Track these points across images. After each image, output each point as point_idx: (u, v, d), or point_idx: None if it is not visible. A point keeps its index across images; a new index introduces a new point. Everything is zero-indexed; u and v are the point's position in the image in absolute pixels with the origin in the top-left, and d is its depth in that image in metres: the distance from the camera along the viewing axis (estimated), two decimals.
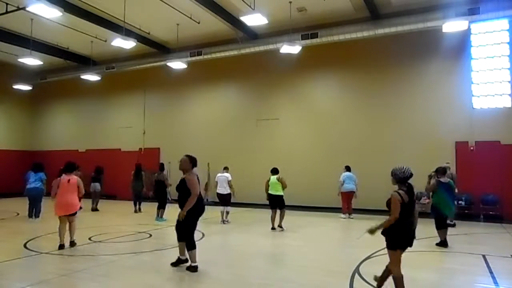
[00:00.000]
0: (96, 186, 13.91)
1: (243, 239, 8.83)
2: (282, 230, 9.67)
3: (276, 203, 9.87)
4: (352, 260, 6.42)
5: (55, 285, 5.21)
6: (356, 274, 5.65)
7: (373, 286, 5.04)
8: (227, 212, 11.04)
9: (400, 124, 13.42)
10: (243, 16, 11.03)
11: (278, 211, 9.91)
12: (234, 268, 6.19)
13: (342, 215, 12.05)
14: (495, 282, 5.42)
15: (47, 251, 7.08)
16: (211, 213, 12.69)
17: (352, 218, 11.94)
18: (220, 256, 7.30)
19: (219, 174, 11.11)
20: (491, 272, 5.89)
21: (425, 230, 9.52)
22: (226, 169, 11.25)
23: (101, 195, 14.21)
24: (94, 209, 13.62)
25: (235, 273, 5.90)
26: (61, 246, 7.20)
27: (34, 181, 11.06)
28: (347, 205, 12.14)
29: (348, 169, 12.21)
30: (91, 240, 8.22)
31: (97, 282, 5.30)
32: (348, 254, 7.39)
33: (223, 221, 10.94)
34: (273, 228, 9.76)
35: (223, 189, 10.89)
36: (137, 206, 13.19)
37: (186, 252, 5.93)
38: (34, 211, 11.18)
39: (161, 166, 11.91)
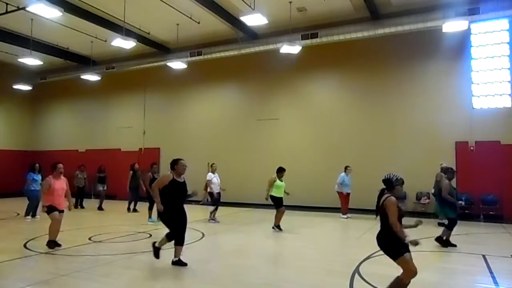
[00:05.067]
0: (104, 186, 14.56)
1: (243, 239, 8.83)
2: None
3: None
4: (352, 260, 6.42)
5: (55, 285, 5.20)
6: (356, 274, 5.65)
7: (373, 286, 5.05)
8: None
9: (400, 124, 13.42)
10: (243, 16, 11.02)
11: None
12: (234, 268, 6.19)
13: (344, 216, 12.06)
14: (495, 282, 5.42)
15: (47, 251, 7.07)
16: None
17: (350, 217, 12.01)
18: (220, 256, 7.31)
19: (214, 175, 11.15)
20: (491, 272, 5.89)
21: (425, 230, 9.52)
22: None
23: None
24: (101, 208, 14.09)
25: (235, 273, 5.90)
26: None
27: (40, 182, 11.53)
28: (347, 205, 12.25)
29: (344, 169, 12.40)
30: (91, 240, 8.22)
31: (97, 282, 5.30)
32: (348, 254, 7.39)
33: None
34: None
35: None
36: (134, 206, 13.37)
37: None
38: (34, 211, 11.49)
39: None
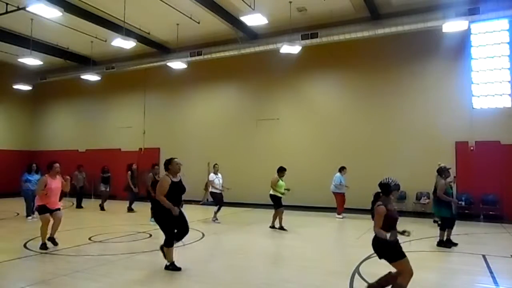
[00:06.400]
0: (107, 187, 14.57)
1: (243, 239, 8.82)
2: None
3: None
4: (352, 260, 6.42)
5: (55, 285, 5.20)
6: (356, 274, 5.65)
7: None
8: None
9: (400, 124, 13.42)
10: (243, 16, 11.03)
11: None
12: (234, 268, 6.19)
13: (339, 216, 12.06)
14: (495, 282, 5.42)
15: (47, 251, 7.07)
16: (211, 213, 12.71)
17: (346, 217, 12.04)
18: (220, 256, 7.31)
19: (217, 176, 11.17)
20: (491, 272, 5.89)
21: (424, 230, 9.54)
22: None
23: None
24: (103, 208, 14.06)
25: (235, 273, 5.90)
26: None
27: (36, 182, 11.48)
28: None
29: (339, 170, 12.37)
30: (91, 240, 8.22)
31: (97, 282, 5.30)
32: (348, 254, 7.39)
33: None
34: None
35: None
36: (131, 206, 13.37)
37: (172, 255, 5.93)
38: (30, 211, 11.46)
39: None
